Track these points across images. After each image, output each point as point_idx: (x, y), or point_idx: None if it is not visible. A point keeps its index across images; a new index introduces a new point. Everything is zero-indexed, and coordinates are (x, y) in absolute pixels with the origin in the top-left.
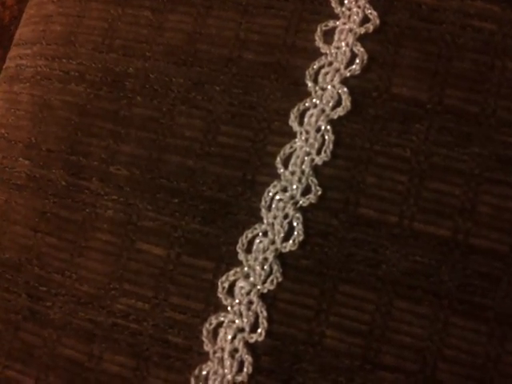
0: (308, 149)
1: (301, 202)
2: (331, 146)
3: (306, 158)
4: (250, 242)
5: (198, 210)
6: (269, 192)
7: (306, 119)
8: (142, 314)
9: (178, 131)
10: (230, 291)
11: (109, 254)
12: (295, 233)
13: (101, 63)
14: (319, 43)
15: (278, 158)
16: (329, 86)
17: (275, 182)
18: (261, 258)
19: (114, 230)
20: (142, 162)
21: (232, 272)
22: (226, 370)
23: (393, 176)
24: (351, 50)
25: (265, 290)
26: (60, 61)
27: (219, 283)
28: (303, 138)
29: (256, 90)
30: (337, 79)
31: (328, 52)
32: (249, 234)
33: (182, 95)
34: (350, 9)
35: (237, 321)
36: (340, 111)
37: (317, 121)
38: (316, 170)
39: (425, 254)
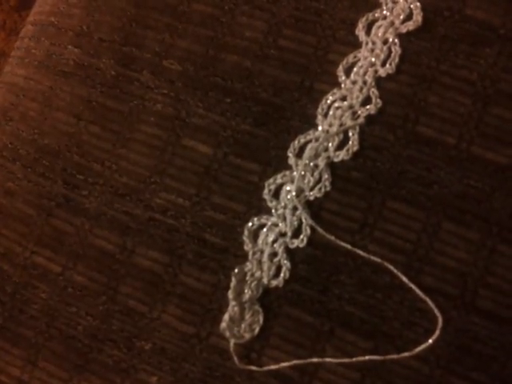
0: (373, 59)
1: (359, 113)
2: (397, 60)
3: (369, 68)
4: (301, 149)
5: (250, 112)
6: (327, 99)
7: (373, 30)
8: (180, 210)
9: (238, 31)
10: (275, 195)
11: (153, 147)
12: (350, 142)
13: None
14: None
15: (341, 66)
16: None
17: (335, 90)
18: (311, 164)
19: (161, 123)
20: (197, 59)
21: (280, 175)
22: (263, 273)
23: (456, 97)
24: None
25: (311, 197)
26: None
27: (266, 185)
28: (369, 48)
29: None
30: None
31: None
32: (301, 139)
33: None
34: None
35: (280, 224)
36: (410, 25)
37: (385, 33)
38: (378, 82)
39: (479, 179)
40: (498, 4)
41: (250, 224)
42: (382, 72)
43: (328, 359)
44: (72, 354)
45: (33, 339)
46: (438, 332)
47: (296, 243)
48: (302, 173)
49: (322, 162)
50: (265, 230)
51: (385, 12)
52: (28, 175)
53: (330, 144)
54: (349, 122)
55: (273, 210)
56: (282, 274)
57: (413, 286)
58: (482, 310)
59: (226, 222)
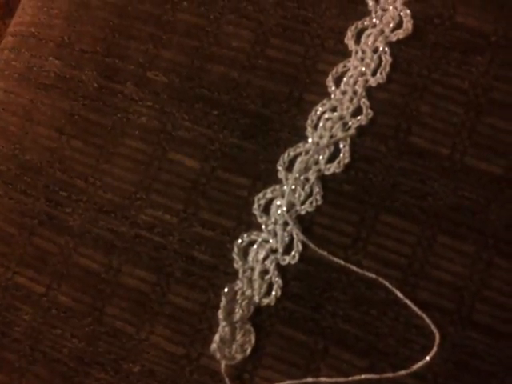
0: (363, 69)
1: (350, 124)
2: (388, 68)
3: (359, 78)
4: (291, 162)
5: (238, 124)
6: (316, 110)
7: (362, 39)
8: (168, 227)
9: (224, 40)
10: (266, 210)
11: (138, 162)
12: (341, 155)
13: None
14: None
15: (330, 76)
16: (390, 7)
17: (324, 101)
18: (302, 177)
19: (146, 137)
20: (182, 70)
21: (270, 189)
22: (254, 291)
23: (448, 107)
24: None
25: (303, 212)
26: None
27: (255, 199)
28: (359, 57)
29: (312, 5)
30: (400, 0)
31: None
32: (291, 152)
33: (231, 4)
34: None
35: (270, 240)
36: (400, 34)
37: (374, 41)
38: (368, 92)
39: (474, 190)
40: (488, 11)
41: (240, 241)
42: (372, 81)
43: (323, 379)
44: (57, 378)
45: (16, 363)
46: (435, 349)
47: (287, 260)
48: (293, 187)
49: (312, 176)
50: (255, 246)
51: (374, 20)
52: (9, 192)
53: (321, 156)
54: (339, 134)
55: (263, 226)
56: (273, 292)
57: (408, 302)
58: (479, 324)
59: (214, 238)
